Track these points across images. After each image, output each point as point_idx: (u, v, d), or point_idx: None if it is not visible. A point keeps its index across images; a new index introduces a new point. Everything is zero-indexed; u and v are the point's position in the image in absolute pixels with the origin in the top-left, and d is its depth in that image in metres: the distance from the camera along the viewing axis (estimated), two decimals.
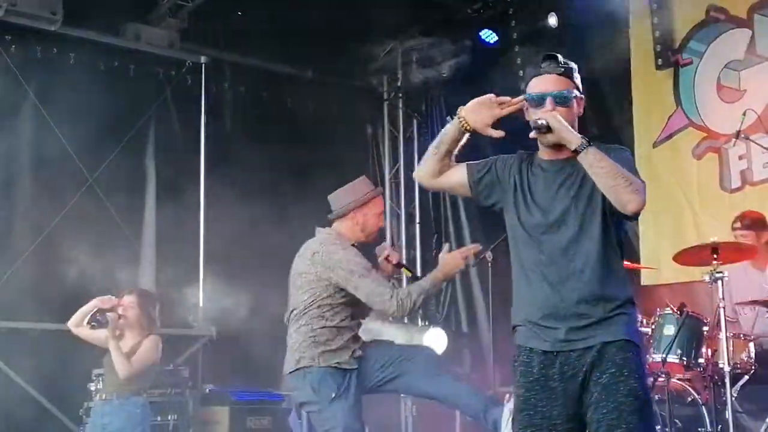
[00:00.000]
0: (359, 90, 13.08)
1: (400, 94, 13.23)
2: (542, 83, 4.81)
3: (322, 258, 6.58)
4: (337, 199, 6.85)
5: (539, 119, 4.68)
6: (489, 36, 11.98)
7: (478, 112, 4.72)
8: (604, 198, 4.62)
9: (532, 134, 4.74)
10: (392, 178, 13.12)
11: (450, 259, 6.58)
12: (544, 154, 4.88)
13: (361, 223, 6.67)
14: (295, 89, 12.30)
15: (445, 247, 6.85)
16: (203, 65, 11.45)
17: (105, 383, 8.21)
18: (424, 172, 4.86)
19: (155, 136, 11.21)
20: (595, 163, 4.62)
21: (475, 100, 4.66)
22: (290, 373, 6.60)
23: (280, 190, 11.41)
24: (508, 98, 4.67)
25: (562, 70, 4.84)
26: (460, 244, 12.30)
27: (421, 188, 13.04)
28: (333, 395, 6.43)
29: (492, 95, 4.66)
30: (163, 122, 11.28)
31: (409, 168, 13.10)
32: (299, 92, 12.30)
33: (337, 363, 6.48)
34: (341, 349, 6.53)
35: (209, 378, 10.55)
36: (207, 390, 10.18)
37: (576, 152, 4.63)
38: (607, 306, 4.59)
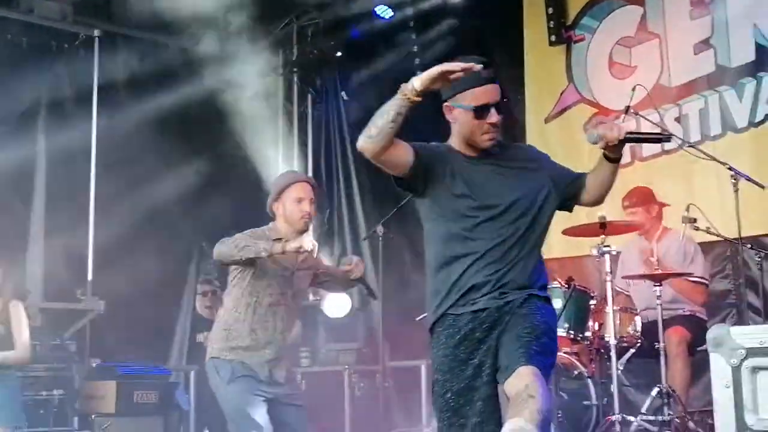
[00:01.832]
0: (252, 64, 12.92)
1: (295, 69, 13.12)
2: (487, 94, 4.86)
3: None
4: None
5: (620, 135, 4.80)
6: (384, 12, 11.93)
7: (437, 83, 4.60)
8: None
9: (600, 145, 4.85)
10: (286, 152, 13.03)
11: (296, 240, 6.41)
12: (464, 149, 4.98)
13: (283, 214, 6.57)
14: (193, 62, 12.12)
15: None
16: (96, 38, 11.22)
17: None
18: (377, 145, 4.72)
19: (47, 109, 11.00)
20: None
21: (432, 70, 4.55)
22: None
23: (172, 162, 11.25)
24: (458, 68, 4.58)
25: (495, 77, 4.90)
26: (353, 218, 12.31)
27: (314, 162, 13.00)
28: None
29: (447, 65, 4.56)
30: (55, 95, 11.05)
31: (303, 142, 13.05)
32: (196, 65, 12.13)
33: None
34: None
35: (97, 352, 10.37)
36: (94, 364, 10.03)
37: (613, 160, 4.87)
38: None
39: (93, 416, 9.50)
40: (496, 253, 4.77)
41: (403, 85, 4.69)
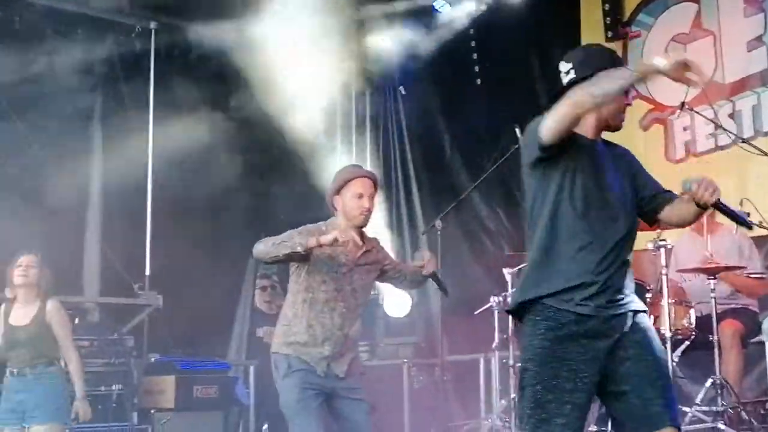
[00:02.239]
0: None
1: (354, 62, 13.17)
2: None
3: None
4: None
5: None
6: (442, 7, 11.99)
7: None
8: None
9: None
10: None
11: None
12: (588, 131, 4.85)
13: (342, 209, 6.57)
14: (248, 58, 12.18)
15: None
16: (152, 30, 11.31)
17: (14, 358, 7.70)
18: (570, 122, 4.58)
19: (103, 102, 11.08)
20: None
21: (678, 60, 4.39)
22: None
23: (229, 157, 11.32)
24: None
25: None
26: (411, 212, 12.35)
27: (371, 155, 13.05)
28: None
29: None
30: (110, 88, 11.14)
31: (361, 137, 13.09)
32: (251, 59, 12.19)
33: None
34: None
35: (155, 347, 10.43)
36: (152, 359, 10.09)
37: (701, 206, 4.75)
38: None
39: (152, 411, 9.61)
40: (608, 251, 4.64)
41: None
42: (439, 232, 9.28)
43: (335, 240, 6.12)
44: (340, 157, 12.89)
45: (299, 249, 6.14)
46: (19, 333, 7.69)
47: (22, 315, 7.76)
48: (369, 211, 6.53)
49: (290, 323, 6.49)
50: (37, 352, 7.70)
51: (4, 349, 7.75)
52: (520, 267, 8.88)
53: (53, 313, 7.76)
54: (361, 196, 6.49)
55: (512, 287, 8.88)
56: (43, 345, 7.73)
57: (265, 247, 6.26)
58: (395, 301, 11.42)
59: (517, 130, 8.71)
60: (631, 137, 10.42)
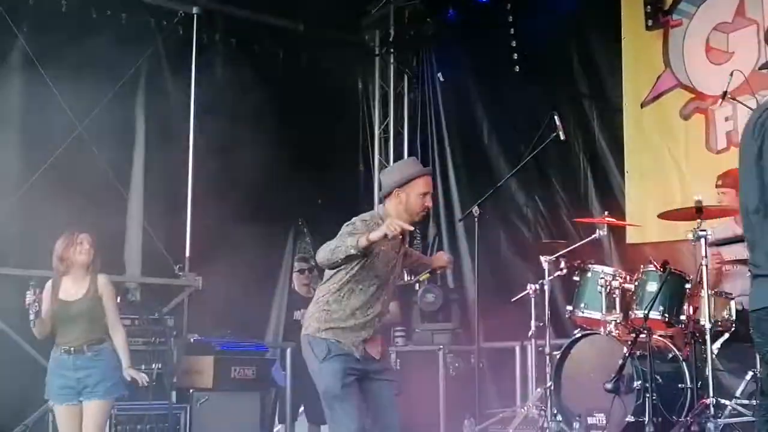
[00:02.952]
0: (351, 44, 13.08)
1: (392, 50, 13.23)
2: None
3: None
4: (385, 177, 6.85)
5: None
6: None
7: None
8: None
9: None
10: (382, 133, 13.16)
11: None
12: None
13: (404, 202, 6.63)
14: (287, 42, 12.27)
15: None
16: (195, 16, 11.36)
17: (67, 335, 7.87)
18: None
19: (146, 86, 11.12)
20: None
21: None
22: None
23: (269, 141, 11.37)
24: None
25: None
26: (448, 199, 12.36)
27: (410, 143, 13.09)
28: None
29: None
30: (153, 72, 11.18)
31: (399, 123, 13.16)
32: (291, 45, 12.27)
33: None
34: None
35: (194, 328, 10.52)
36: (192, 340, 10.17)
37: None
38: None
39: (191, 391, 9.71)
40: None
41: None
42: (476, 219, 9.28)
43: (385, 236, 6.18)
44: (378, 142, 12.97)
45: (353, 251, 6.20)
46: (71, 308, 7.89)
47: (73, 291, 7.96)
48: (429, 209, 6.73)
49: (331, 309, 6.55)
50: (91, 328, 7.92)
51: (55, 325, 7.89)
52: (557, 255, 8.91)
53: (104, 288, 8.00)
54: (425, 194, 6.63)
55: (549, 275, 8.90)
56: (95, 320, 7.95)
57: (324, 254, 6.33)
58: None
59: (555, 117, 8.74)
60: (671, 127, 10.48)
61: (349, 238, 6.29)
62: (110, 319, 8.02)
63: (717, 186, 8.57)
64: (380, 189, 6.83)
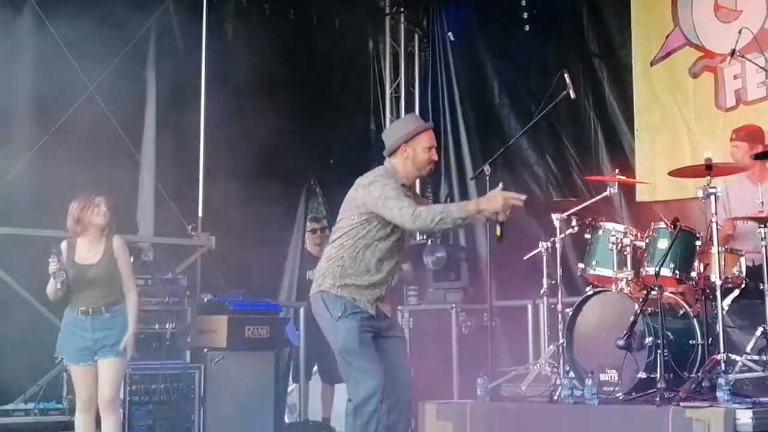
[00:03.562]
0: (362, 4, 13.06)
1: (402, 9, 13.23)
2: None
3: (365, 182, 6.69)
4: (388, 136, 6.94)
5: None
6: None
7: None
8: None
9: None
10: (393, 92, 13.16)
11: (492, 195, 6.51)
12: None
13: (411, 157, 6.73)
14: (298, 1, 12.25)
15: (500, 185, 6.86)
16: None
17: (85, 297, 7.99)
18: None
19: (156, 46, 11.09)
20: None
21: None
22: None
23: (280, 101, 11.40)
24: None
25: None
26: (459, 158, 12.39)
27: (421, 102, 13.10)
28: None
29: None
30: (164, 32, 11.13)
31: (410, 83, 13.17)
32: (302, 4, 12.25)
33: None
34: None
35: (207, 288, 10.57)
36: (205, 299, 10.21)
37: None
38: None
39: (205, 350, 9.76)
40: None
41: None
42: (487, 178, 9.28)
43: (495, 212, 6.36)
44: (390, 102, 12.98)
45: (460, 222, 6.44)
46: (89, 271, 7.98)
47: (90, 254, 8.05)
48: (435, 162, 6.84)
49: (345, 265, 6.62)
50: (109, 290, 8.03)
51: (70, 288, 7.96)
52: (568, 213, 8.94)
53: (119, 250, 8.10)
54: (430, 148, 6.77)
55: (560, 233, 8.93)
56: (113, 283, 8.06)
57: (424, 226, 6.47)
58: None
59: (566, 76, 8.74)
60: (680, 85, 10.51)
61: (453, 210, 6.42)
62: (125, 280, 8.12)
63: (731, 140, 8.64)
64: (386, 145, 6.89)
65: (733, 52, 8.29)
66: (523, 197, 6.42)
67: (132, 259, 8.47)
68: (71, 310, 8.01)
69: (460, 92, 12.65)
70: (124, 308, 8.06)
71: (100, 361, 7.92)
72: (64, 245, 8.05)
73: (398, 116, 12.87)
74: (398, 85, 13.15)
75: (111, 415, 8.00)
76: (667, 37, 10.68)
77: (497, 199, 6.35)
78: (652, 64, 10.77)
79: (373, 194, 6.57)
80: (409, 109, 12.95)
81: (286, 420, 10.92)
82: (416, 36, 13.26)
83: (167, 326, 9.54)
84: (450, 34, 12.86)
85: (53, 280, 7.86)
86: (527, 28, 11.75)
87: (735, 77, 10.07)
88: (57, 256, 7.88)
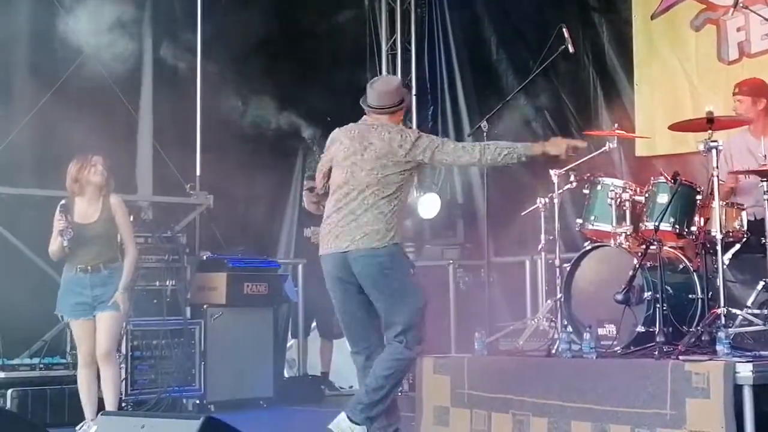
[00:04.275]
0: None
1: None
2: None
3: (400, 137, 6.80)
4: (390, 96, 6.98)
5: None
6: None
7: None
8: None
9: None
10: (389, 49, 13.12)
11: (557, 140, 7.06)
12: None
13: (398, 121, 6.99)
14: None
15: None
16: None
17: (83, 255, 8.01)
18: None
19: (152, 5, 11.08)
20: None
21: None
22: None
23: (277, 58, 11.38)
24: None
25: None
26: (456, 114, 12.37)
27: (417, 59, 13.05)
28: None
29: None
30: None
31: (406, 40, 13.11)
32: None
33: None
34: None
35: (206, 246, 10.64)
36: (204, 257, 10.29)
37: None
38: None
39: (204, 307, 9.90)
40: None
41: None
42: (485, 134, 9.26)
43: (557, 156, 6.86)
44: (386, 59, 12.91)
45: (524, 159, 6.82)
46: (87, 230, 8.01)
47: (88, 213, 8.09)
48: None
49: (401, 220, 6.89)
50: (107, 248, 8.11)
51: (71, 247, 7.97)
52: (566, 169, 8.90)
53: (117, 208, 8.14)
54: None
55: (558, 188, 8.88)
56: (111, 241, 8.14)
57: (493, 159, 6.76)
58: (426, 203, 11.57)
59: (564, 30, 8.69)
60: (682, 39, 10.46)
61: (522, 147, 6.78)
62: (124, 237, 8.21)
63: (734, 94, 8.54)
64: (388, 102, 6.94)
65: (736, 3, 8.24)
66: (585, 143, 7.00)
67: (132, 218, 8.49)
68: (69, 269, 8.06)
69: (457, 49, 12.61)
70: (122, 266, 8.12)
71: (98, 315, 8.00)
72: (63, 204, 8.04)
73: (394, 74, 12.81)
74: (394, 43, 13.12)
75: (109, 367, 8.08)
76: None
77: (561, 144, 6.86)
78: (652, 17, 10.72)
79: (422, 145, 6.75)
80: (405, 66, 12.91)
81: (286, 374, 11.06)
82: None
83: (167, 283, 9.65)
84: None
85: (60, 238, 7.90)
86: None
87: (738, 29, 10.01)
88: (64, 214, 7.92)
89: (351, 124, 7.04)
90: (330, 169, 6.99)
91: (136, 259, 8.24)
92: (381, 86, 7.08)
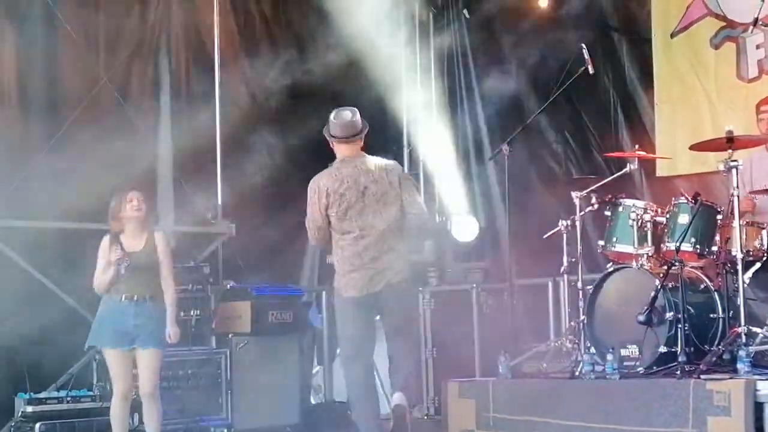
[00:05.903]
0: None
1: None
2: None
3: (399, 170, 7.38)
4: (361, 125, 7.55)
5: None
6: None
7: None
8: None
9: None
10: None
11: None
12: None
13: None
14: None
15: None
16: None
17: (128, 284, 8.07)
18: None
19: (168, 34, 11.09)
20: None
21: None
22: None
23: (297, 81, 11.49)
24: None
25: None
26: (477, 138, 12.34)
27: (437, 82, 13.01)
28: None
29: None
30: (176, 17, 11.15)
31: (425, 60, 13.03)
32: None
33: None
34: None
35: (229, 275, 10.64)
36: (228, 286, 10.32)
37: None
38: None
39: (230, 335, 9.92)
40: None
41: None
42: (506, 157, 9.30)
43: None
44: (406, 83, 12.87)
45: None
46: (133, 258, 8.08)
47: (133, 245, 8.17)
48: None
49: None
50: (151, 279, 8.19)
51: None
52: (587, 191, 8.90)
53: (161, 243, 8.27)
54: None
55: (580, 210, 8.89)
56: (153, 273, 8.21)
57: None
58: (463, 226, 11.53)
59: (584, 51, 8.70)
60: (701, 57, 10.43)
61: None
62: (164, 273, 8.26)
63: (758, 112, 8.55)
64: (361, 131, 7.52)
65: (755, 21, 8.27)
66: None
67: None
68: (112, 297, 8.11)
69: (477, 70, 12.58)
70: (163, 301, 8.21)
71: (140, 352, 8.08)
72: (106, 240, 8.16)
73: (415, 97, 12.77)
74: (414, 63, 13.05)
75: (153, 404, 8.19)
76: (687, 7, 10.60)
77: None
78: (672, 35, 10.69)
79: (408, 185, 7.32)
80: (425, 89, 12.85)
81: (312, 401, 11.04)
82: (431, 15, 13.14)
83: (192, 313, 9.67)
84: (465, 11, 12.78)
85: (116, 267, 7.98)
86: (545, 4, 11.68)
87: (758, 47, 9.97)
88: (118, 245, 8.04)
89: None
90: None
91: (174, 293, 8.31)
92: (348, 115, 7.54)
